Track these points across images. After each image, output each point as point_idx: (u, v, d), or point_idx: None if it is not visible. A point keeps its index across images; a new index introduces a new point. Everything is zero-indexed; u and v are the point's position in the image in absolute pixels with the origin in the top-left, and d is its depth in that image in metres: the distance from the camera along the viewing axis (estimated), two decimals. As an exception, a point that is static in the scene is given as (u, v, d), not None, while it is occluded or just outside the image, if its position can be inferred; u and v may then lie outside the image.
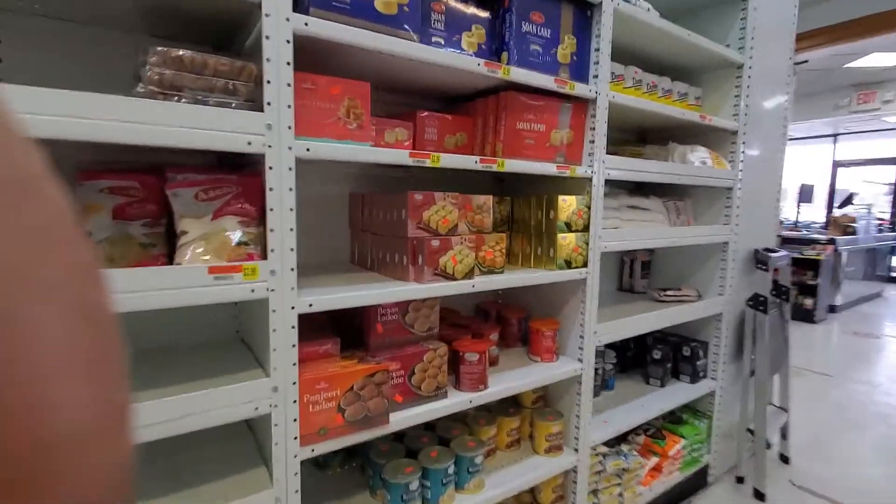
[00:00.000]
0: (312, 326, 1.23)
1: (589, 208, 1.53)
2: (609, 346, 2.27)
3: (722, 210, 2.14)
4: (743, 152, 2.09)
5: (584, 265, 1.55)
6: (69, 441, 0.20)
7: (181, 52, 0.90)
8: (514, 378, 1.46)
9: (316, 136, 1.04)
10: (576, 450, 1.64)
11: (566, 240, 1.49)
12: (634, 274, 2.42)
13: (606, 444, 1.91)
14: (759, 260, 2.15)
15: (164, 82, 0.89)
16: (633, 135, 2.44)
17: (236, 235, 0.97)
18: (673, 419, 2.22)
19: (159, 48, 0.89)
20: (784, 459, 2.46)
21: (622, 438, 2.09)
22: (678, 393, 2.10)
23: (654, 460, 1.99)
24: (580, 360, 1.60)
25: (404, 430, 1.57)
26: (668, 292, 2.17)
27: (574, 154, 1.52)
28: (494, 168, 1.28)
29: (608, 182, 1.86)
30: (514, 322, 1.76)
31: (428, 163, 1.16)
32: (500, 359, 1.63)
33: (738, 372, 2.28)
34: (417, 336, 1.31)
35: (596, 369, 1.94)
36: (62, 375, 0.20)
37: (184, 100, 0.90)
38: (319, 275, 1.30)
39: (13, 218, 0.20)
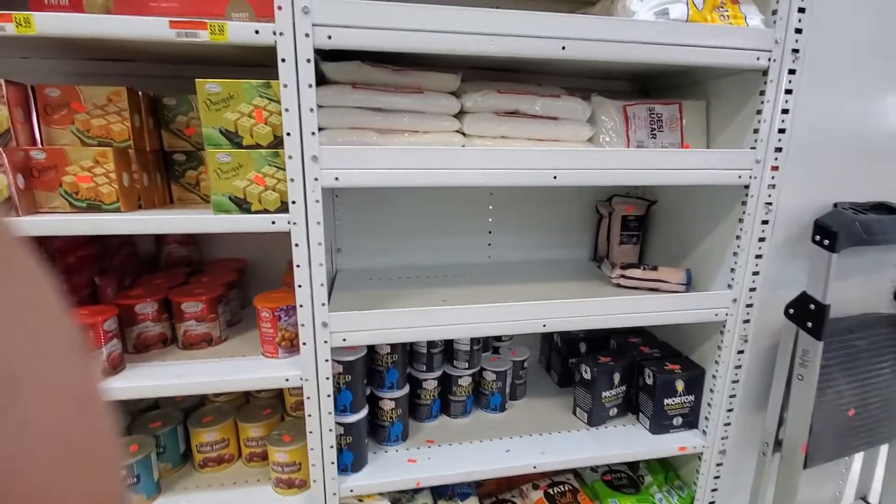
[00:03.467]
0: None
1: (278, 104, 0.83)
2: (569, 342, 1.47)
3: (750, 121, 1.06)
4: (806, -11, 0.95)
5: (282, 209, 0.88)
6: None
7: None
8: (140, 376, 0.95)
9: None
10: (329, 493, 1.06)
11: (229, 162, 0.85)
12: (612, 237, 1.47)
13: (437, 495, 1.25)
14: (821, 227, 1.02)
15: None
16: None
17: None
18: (622, 479, 1.35)
19: None
20: None
21: (506, 488, 1.36)
22: (618, 443, 1.23)
23: (532, 537, 1.23)
24: (317, 363, 0.98)
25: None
26: (630, 272, 1.24)
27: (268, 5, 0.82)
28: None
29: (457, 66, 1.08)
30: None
31: None
32: (232, 342, 1.12)
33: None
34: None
35: (447, 377, 1.25)
36: (61, 472, 0.20)
37: None
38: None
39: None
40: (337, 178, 0.87)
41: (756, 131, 1.04)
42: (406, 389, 1.18)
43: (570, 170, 0.96)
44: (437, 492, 1.25)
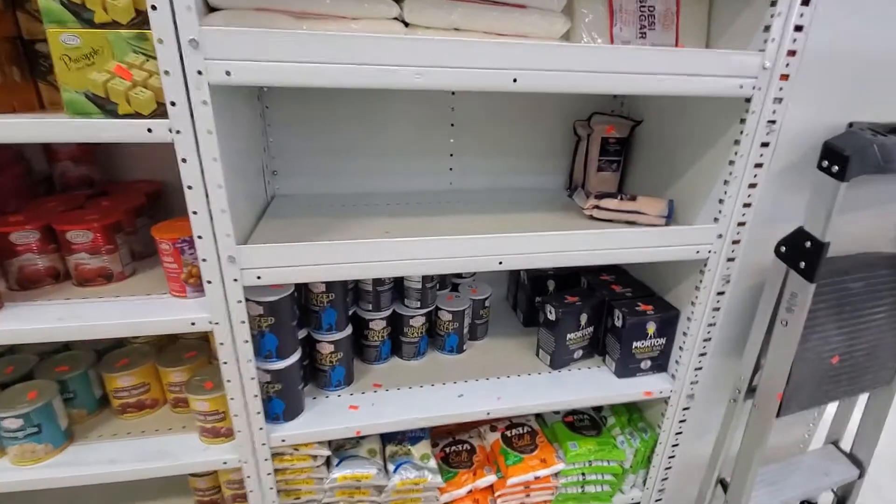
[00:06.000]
0: None
1: (142, -33, 0.62)
2: (536, 279, 1.34)
3: (760, 16, 0.85)
4: None
5: (160, 112, 0.69)
6: None
7: None
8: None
9: None
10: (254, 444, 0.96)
11: (79, 46, 0.64)
12: (589, 163, 1.29)
13: (386, 440, 1.16)
14: (831, 150, 0.86)
15: None
16: None
17: None
18: (584, 421, 1.28)
19: None
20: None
21: (465, 429, 1.29)
22: (580, 387, 1.14)
23: (485, 481, 1.17)
24: (227, 305, 0.83)
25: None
26: (606, 202, 1.08)
27: None
28: None
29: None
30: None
31: None
32: (138, 278, 0.97)
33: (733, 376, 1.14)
34: None
35: (397, 317, 1.12)
36: None
37: None
38: None
39: None
40: (229, 73, 0.68)
41: (767, 29, 0.84)
42: (348, 331, 1.05)
43: (533, 70, 0.76)
44: (387, 436, 1.17)
